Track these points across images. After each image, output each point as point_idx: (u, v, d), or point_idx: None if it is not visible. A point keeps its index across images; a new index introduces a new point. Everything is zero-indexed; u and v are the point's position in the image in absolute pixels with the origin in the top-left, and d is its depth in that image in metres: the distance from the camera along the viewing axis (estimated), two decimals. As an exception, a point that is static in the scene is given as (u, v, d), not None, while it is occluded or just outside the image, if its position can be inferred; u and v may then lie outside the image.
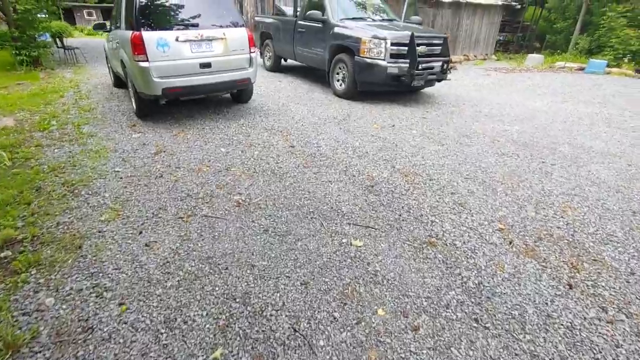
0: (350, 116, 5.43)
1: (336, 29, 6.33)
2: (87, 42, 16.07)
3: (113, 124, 4.81)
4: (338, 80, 6.55)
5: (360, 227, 2.63)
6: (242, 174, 3.46)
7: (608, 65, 11.77)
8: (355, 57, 5.92)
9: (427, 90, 7.33)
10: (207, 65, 4.75)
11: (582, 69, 12.33)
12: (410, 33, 5.65)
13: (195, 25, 4.68)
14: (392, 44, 5.68)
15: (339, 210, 2.83)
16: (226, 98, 6.23)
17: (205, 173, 3.46)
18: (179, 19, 4.69)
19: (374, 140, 4.42)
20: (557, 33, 15.69)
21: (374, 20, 6.85)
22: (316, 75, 8.31)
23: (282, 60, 8.91)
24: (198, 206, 2.86)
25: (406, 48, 5.75)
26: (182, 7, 4.73)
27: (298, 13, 7.64)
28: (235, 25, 5.05)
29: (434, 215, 2.80)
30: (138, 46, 4.30)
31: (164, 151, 3.96)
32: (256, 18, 9.48)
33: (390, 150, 4.13)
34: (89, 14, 30.23)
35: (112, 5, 6.38)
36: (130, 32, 4.39)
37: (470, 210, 2.88)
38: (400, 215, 2.80)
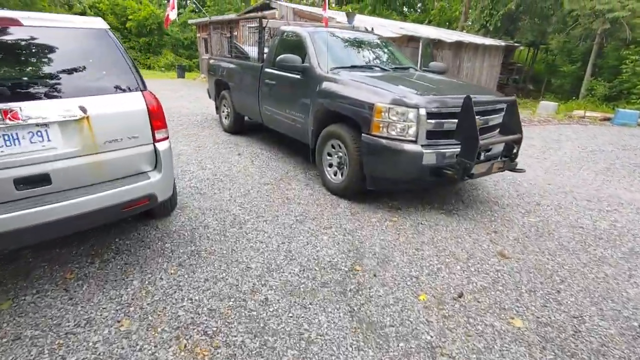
0: (362, 256, 2.77)
1: (326, 85, 3.82)
2: None
3: None
4: (331, 166, 3.96)
5: None
6: None
7: None
8: (363, 134, 3.37)
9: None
10: (37, 180, 2.04)
11: (607, 119, 10.53)
12: (463, 96, 3.16)
13: (7, 95, 1.98)
14: (430, 115, 3.18)
15: None
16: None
17: None
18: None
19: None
20: (562, 77, 14.17)
21: (382, 69, 4.42)
22: (294, 142, 5.72)
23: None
24: None
25: (453, 121, 3.26)
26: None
27: (265, 56, 5.17)
28: (126, 88, 2.41)
29: None
30: None
31: None
32: (211, 61, 6.97)
33: None
34: None
35: None
36: None
37: None
38: None
